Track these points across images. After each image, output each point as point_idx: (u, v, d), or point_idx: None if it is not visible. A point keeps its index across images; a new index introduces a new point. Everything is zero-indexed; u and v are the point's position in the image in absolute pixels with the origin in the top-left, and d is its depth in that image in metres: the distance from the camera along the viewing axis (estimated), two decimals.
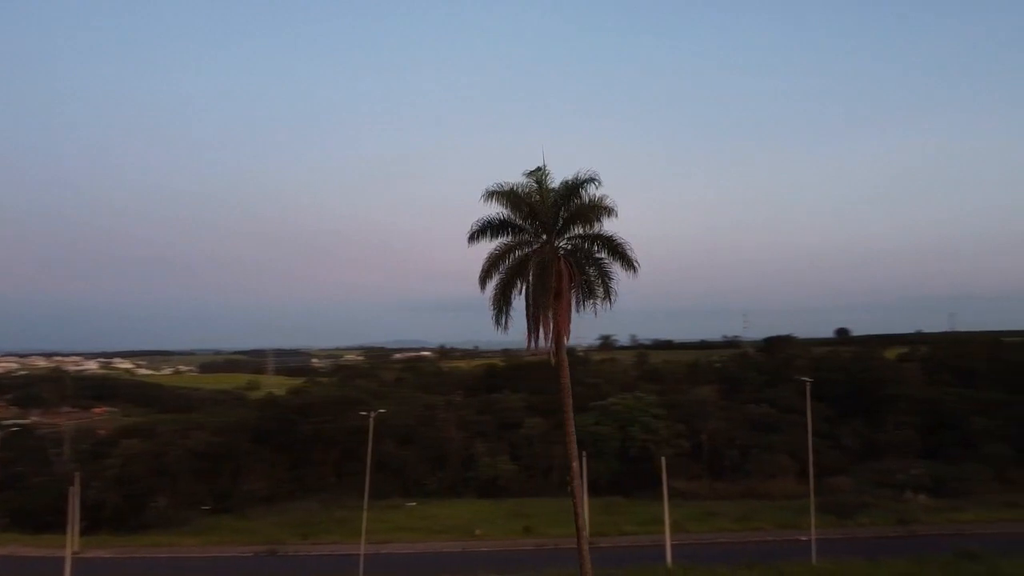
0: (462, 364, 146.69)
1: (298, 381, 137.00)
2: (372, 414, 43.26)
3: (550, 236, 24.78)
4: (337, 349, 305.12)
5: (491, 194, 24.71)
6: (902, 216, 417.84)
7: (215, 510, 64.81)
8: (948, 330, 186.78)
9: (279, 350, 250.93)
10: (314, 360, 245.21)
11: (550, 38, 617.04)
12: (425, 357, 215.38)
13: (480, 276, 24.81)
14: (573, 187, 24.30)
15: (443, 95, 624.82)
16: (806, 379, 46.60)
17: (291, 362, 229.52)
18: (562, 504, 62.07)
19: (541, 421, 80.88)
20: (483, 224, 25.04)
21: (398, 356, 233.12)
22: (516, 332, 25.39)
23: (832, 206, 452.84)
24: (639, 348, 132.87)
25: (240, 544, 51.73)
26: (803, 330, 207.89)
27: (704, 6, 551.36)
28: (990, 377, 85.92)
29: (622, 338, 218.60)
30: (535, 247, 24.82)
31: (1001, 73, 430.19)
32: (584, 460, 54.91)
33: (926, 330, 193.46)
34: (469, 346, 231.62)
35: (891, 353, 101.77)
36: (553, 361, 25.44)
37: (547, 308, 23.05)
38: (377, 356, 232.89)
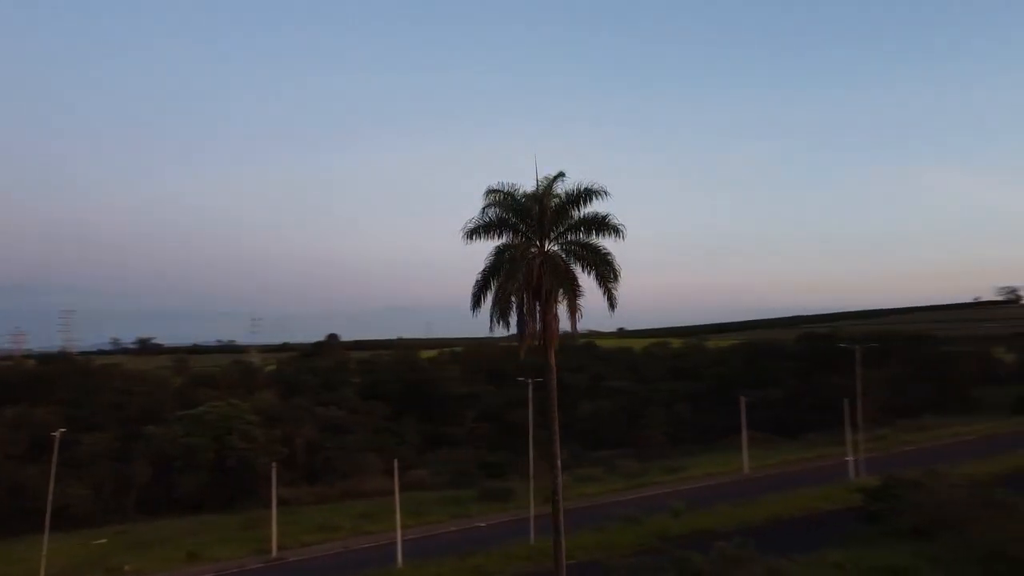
0: None
1: None
2: (58, 433, 33.63)
3: (542, 240, 25.01)
4: None
5: (491, 192, 24.30)
6: (390, 229, 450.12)
7: None
8: (426, 336, 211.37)
9: None
10: None
11: None
12: None
13: (484, 276, 23.80)
14: (577, 196, 25.01)
15: None
16: (527, 380, 50.56)
17: None
18: (184, 526, 55.58)
19: (103, 436, 70.40)
20: (480, 223, 24.03)
21: None
22: None
23: (332, 215, 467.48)
24: (177, 352, 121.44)
25: None
26: (300, 335, 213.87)
27: None
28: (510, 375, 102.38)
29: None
30: (535, 248, 24.76)
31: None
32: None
33: (406, 336, 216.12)
34: None
35: (425, 355, 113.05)
36: (554, 362, 25.51)
37: (561, 307, 23.23)
38: None
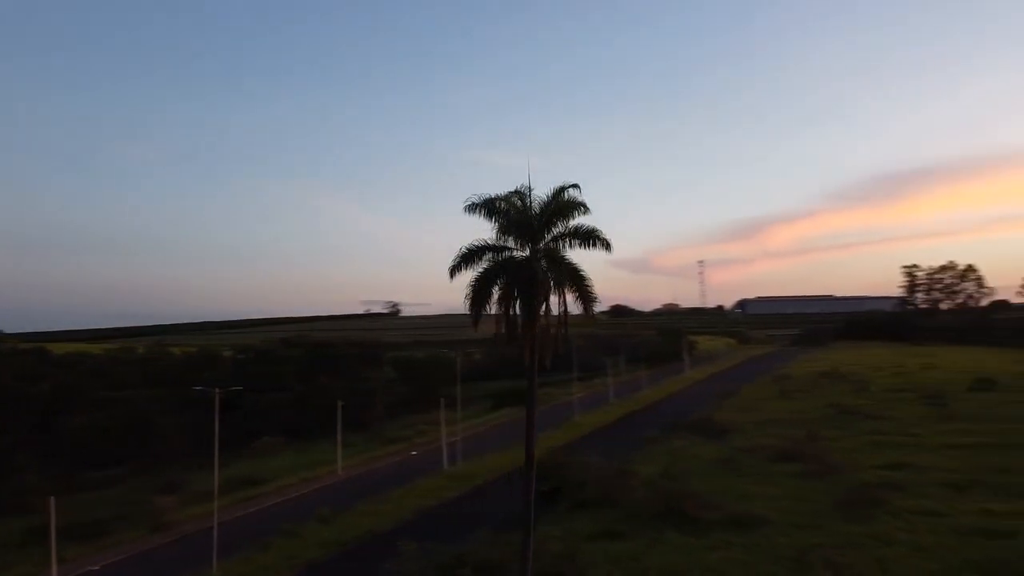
0: None
1: None
2: None
3: (534, 248, 25.53)
4: None
5: (515, 194, 25.42)
6: None
7: None
8: None
9: None
10: None
11: None
12: None
13: (482, 279, 24.55)
14: (564, 206, 25.39)
15: None
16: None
17: None
18: None
19: None
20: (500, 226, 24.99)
21: None
22: None
23: None
24: None
25: None
26: None
27: None
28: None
29: None
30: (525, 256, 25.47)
31: None
32: None
33: None
34: None
35: None
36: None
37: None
38: None
